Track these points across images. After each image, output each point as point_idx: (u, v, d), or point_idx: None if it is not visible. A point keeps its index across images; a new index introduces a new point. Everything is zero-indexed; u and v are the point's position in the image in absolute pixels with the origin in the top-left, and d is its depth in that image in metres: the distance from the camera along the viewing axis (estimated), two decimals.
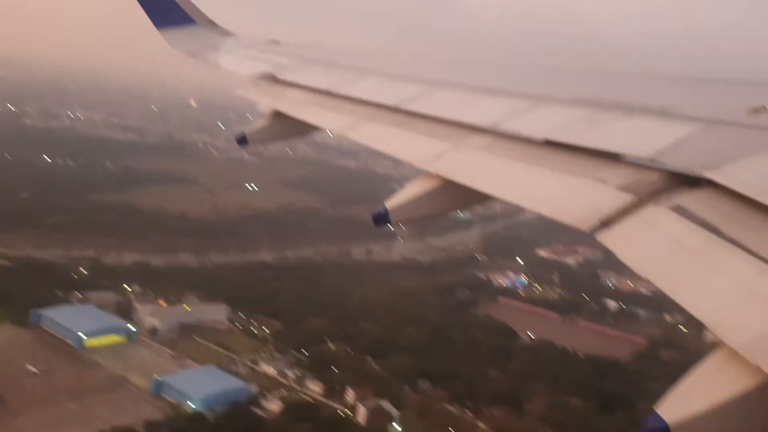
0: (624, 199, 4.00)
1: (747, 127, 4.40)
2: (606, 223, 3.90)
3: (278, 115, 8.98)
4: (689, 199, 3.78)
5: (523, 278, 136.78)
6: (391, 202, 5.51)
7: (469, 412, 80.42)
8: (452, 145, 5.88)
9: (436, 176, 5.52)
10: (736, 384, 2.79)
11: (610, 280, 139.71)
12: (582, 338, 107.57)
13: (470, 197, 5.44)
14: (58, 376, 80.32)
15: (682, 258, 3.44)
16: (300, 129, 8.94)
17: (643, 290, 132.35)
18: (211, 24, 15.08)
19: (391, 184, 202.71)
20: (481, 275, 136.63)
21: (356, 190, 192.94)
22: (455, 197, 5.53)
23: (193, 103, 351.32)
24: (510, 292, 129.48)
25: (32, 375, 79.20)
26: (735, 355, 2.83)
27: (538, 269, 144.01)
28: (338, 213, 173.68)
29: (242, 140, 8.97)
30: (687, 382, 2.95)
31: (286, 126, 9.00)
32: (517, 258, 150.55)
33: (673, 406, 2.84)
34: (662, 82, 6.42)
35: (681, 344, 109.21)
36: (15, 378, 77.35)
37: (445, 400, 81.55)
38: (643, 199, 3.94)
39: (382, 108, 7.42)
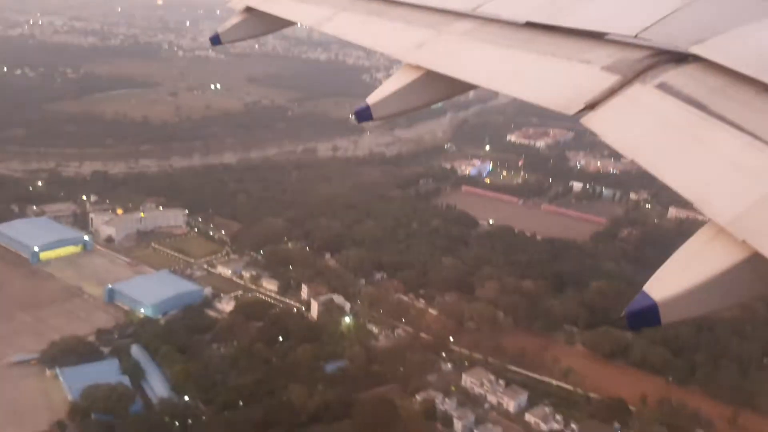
0: (609, 79, 3.85)
1: None
2: (592, 105, 3.75)
3: (249, 11, 8.60)
4: (675, 76, 3.65)
5: (489, 165, 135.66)
6: (373, 97, 5.35)
7: (421, 300, 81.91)
8: (431, 33, 5.62)
9: (417, 67, 5.31)
10: (723, 260, 2.77)
11: (579, 161, 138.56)
12: (542, 221, 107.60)
13: (453, 87, 5.26)
14: (12, 289, 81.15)
15: (668, 136, 3.36)
16: (273, 24, 8.63)
17: (611, 169, 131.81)
18: None
19: (362, 76, 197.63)
20: (446, 165, 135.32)
21: (326, 85, 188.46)
22: (438, 88, 5.35)
23: (159, 1, 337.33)
24: (474, 180, 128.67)
25: None
26: (721, 232, 2.81)
27: (505, 155, 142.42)
28: (306, 109, 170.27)
29: (215, 40, 8.67)
30: (673, 260, 2.92)
31: (259, 22, 8.68)
32: (486, 145, 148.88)
33: (660, 284, 2.83)
34: None
35: (643, 222, 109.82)
36: None
37: (399, 290, 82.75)
38: (629, 78, 3.80)
39: None
